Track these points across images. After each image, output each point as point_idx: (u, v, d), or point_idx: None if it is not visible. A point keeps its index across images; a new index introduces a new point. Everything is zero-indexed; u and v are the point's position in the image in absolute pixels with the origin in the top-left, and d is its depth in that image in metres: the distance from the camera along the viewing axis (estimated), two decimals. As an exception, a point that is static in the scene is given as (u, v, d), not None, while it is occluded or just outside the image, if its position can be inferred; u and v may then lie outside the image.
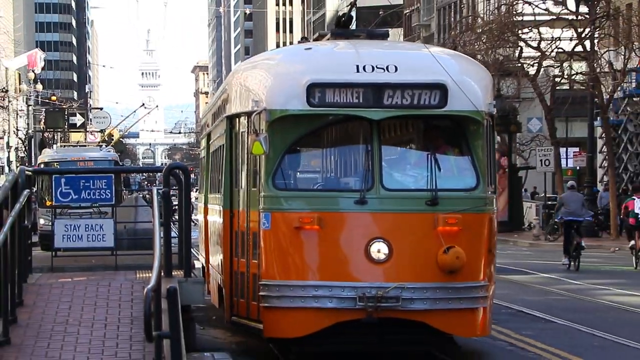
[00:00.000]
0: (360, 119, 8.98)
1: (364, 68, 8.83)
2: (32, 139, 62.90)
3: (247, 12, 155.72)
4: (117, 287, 11.32)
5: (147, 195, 21.88)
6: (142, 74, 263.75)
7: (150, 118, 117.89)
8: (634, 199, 23.83)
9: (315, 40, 28.63)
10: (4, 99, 60.23)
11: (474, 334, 9.32)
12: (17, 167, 33.70)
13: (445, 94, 8.69)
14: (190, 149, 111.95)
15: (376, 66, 8.86)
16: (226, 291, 10.82)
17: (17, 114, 69.65)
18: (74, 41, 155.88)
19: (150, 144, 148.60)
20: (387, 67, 8.89)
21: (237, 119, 10.45)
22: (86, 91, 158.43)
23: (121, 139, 66.28)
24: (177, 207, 12.45)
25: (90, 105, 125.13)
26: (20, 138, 69.34)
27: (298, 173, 9.61)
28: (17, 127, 69.15)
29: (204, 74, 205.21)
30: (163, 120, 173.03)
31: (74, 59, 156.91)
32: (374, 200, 8.64)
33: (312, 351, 9.01)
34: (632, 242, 23.80)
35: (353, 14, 15.63)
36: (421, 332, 8.98)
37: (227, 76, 12.46)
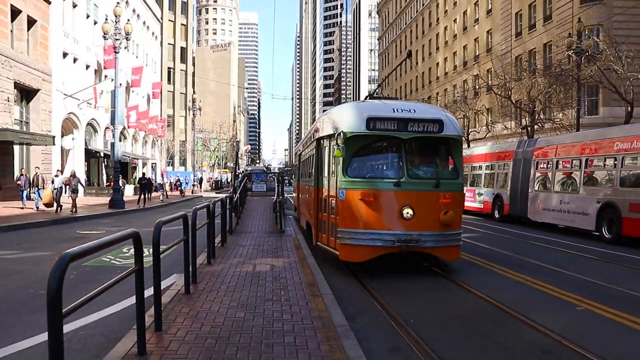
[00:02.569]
0: (395, 138, 9.92)
1: (396, 110, 9.95)
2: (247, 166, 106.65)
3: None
4: (267, 201, 24.65)
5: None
6: (272, 150, 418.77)
7: (274, 161, 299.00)
8: None
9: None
10: (242, 157, 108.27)
11: (455, 258, 10.16)
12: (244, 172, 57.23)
13: (442, 125, 9.93)
14: (285, 169, 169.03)
15: (403, 109, 10.00)
16: (314, 229, 12.07)
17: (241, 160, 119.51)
18: (257, 141, 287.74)
19: (274, 168, 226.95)
20: (410, 110, 10.03)
21: (322, 140, 11.79)
22: (260, 154, 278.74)
23: (267, 166, 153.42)
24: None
25: (260, 156, 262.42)
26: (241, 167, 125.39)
27: (359, 167, 10.21)
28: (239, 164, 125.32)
29: (287, 150, 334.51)
30: (277, 161, 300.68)
31: (257, 147, 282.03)
32: (404, 184, 9.59)
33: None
34: None
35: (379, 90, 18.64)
36: (426, 257, 10.24)
37: (316, 120, 14.46)
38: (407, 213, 9.49)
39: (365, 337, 5.92)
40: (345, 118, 10.34)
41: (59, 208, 21.90)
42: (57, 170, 25.33)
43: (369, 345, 5.59)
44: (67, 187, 22.90)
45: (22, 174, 24.44)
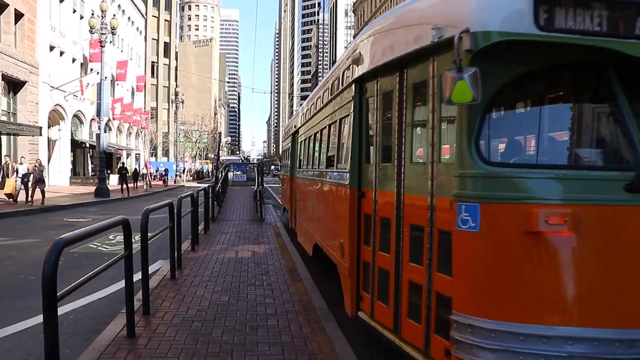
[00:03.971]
0: (604, 55, 3.18)
1: None
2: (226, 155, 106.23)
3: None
4: (247, 190, 23.82)
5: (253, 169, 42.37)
6: (252, 142, 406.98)
7: (253, 152, 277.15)
8: None
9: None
10: (222, 149, 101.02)
11: None
12: (223, 163, 55.88)
13: None
14: (263, 160, 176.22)
15: None
16: (350, 281, 5.05)
17: (222, 152, 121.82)
18: (237, 133, 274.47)
19: (253, 159, 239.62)
20: None
21: (372, 81, 4.75)
22: (240, 146, 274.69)
23: (247, 158, 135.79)
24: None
25: (240, 147, 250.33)
26: (221, 158, 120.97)
27: (516, 141, 3.81)
28: (220, 155, 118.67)
29: (265, 142, 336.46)
30: (256, 153, 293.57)
31: (237, 139, 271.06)
32: None
33: None
34: None
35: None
36: None
37: (356, 39, 5.09)
38: None
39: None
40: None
41: (30, 199, 19.94)
42: (21, 158, 23.42)
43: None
44: (31, 175, 20.50)
45: None
